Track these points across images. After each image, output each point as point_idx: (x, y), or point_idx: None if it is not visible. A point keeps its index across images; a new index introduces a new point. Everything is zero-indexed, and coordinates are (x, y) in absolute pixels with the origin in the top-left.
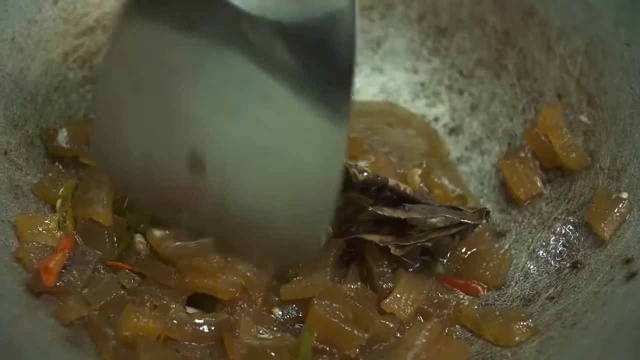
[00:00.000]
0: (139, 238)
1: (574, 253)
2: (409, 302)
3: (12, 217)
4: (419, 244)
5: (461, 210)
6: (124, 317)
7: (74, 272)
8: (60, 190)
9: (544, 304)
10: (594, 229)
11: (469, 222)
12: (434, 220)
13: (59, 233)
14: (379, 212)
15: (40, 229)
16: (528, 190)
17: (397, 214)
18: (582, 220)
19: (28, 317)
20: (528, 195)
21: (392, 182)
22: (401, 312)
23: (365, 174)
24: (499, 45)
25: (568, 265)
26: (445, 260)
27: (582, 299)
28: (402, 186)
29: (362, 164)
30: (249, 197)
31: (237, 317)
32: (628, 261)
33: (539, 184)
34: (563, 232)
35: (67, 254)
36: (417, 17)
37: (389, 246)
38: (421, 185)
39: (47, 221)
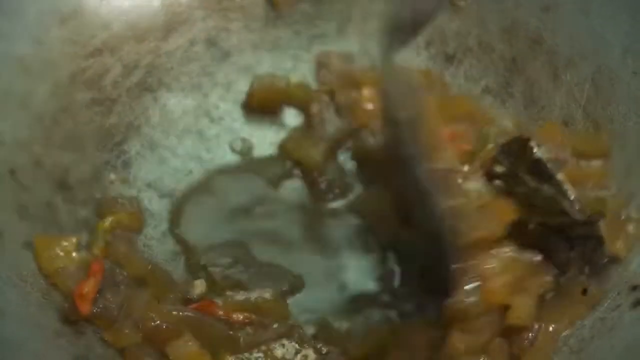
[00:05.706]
0: (197, 282)
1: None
2: None
3: (20, 238)
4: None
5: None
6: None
7: (108, 296)
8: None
9: None
10: None
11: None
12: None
13: (75, 254)
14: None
15: (58, 251)
16: None
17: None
18: None
19: (37, 337)
20: None
21: (560, 176)
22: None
23: (546, 155)
24: (506, 72)
25: None
26: None
27: (589, 324)
28: (567, 186)
29: None
30: None
31: None
32: (635, 288)
33: None
34: None
35: (99, 279)
36: (425, 44)
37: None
38: None
39: (65, 243)
